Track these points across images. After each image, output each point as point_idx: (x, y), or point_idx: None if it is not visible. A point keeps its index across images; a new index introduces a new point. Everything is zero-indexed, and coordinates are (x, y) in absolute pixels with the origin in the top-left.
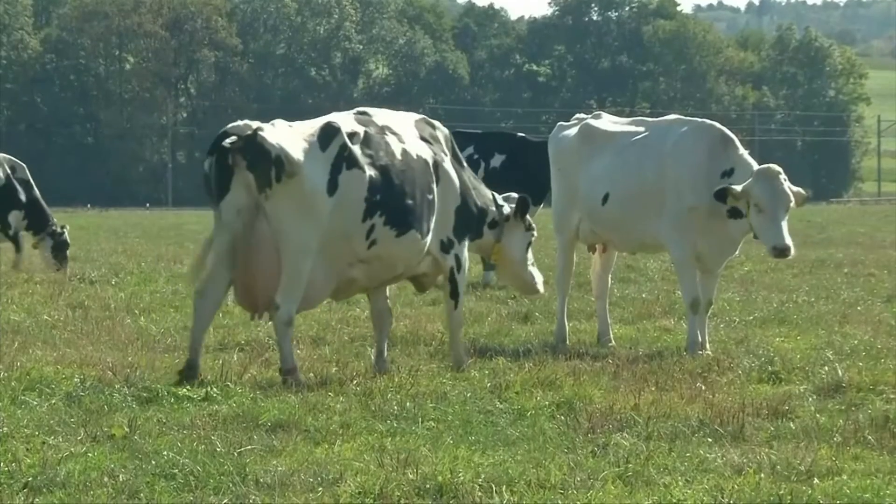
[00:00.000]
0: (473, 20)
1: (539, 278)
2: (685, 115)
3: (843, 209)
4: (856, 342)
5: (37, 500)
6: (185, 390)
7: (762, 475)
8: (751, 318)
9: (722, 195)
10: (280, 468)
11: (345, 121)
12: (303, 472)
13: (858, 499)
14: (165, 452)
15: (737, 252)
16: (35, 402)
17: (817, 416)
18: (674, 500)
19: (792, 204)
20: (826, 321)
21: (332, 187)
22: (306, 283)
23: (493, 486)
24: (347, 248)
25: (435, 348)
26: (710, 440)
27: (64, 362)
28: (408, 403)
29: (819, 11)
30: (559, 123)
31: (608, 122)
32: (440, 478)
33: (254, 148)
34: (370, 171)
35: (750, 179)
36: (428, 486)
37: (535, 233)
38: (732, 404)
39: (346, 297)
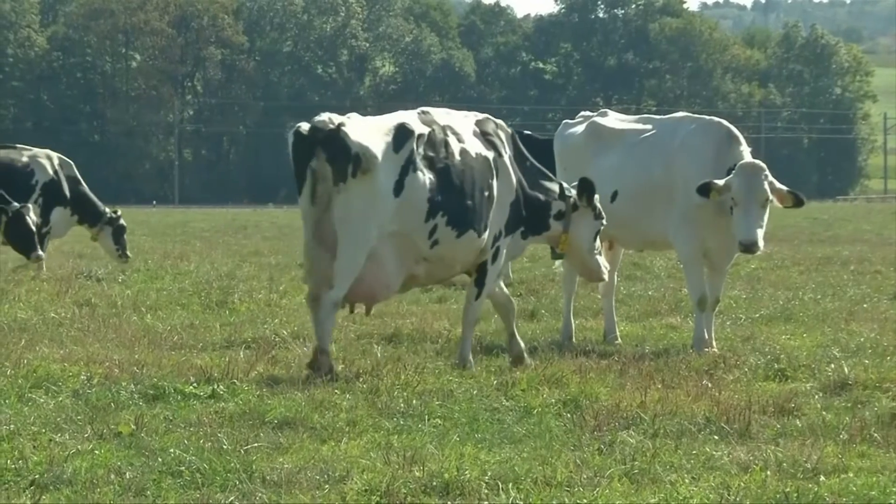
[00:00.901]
0: (480, 18)
1: (605, 266)
2: (693, 113)
3: (850, 207)
4: (862, 340)
5: (43, 497)
6: (191, 388)
7: (768, 473)
8: (757, 315)
9: (705, 190)
10: (286, 465)
11: (412, 121)
12: (309, 470)
13: (864, 496)
14: (172, 450)
15: None
16: (42, 400)
17: (823, 413)
18: (680, 498)
19: (773, 201)
20: (832, 319)
21: (399, 188)
22: (386, 277)
23: (500, 483)
24: (412, 246)
25: (441, 346)
26: (716, 438)
27: (70, 360)
28: (414, 401)
29: (825, 9)
30: (565, 121)
31: (615, 119)
32: (446, 475)
33: (335, 143)
34: (433, 173)
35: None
36: (434, 483)
37: (604, 221)
38: (739, 402)
39: (405, 291)
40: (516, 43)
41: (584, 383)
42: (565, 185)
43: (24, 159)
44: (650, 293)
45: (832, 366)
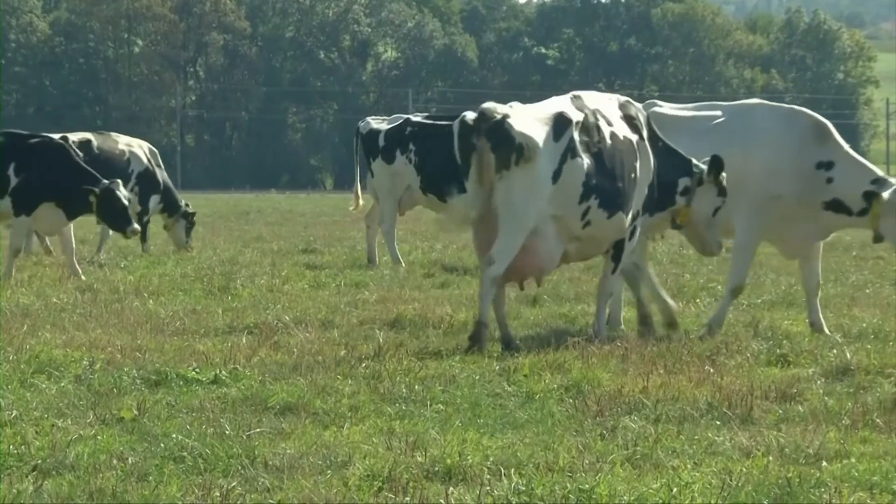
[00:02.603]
0: (482, 3)
1: (720, 242)
2: (717, 100)
3: None
4: (864, 325)
5: (46, 482)
6: (193, 373)
7: (770, 458)
8: (759, 301)
9: (869, 196)
10: (289, 451)
11: (568, 108)
12: (311, 455)
13: (867, 481)
14: (174, 435)
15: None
16: (44, 385)
17: (825, 398)
18: (682, 483)
19: None
20: (834, 304)
21: (557, 175)
22: (550, 252)
23: (502, 468)
24: (566, 227)
25: (444, 331)
26: (718, 423)
27: (73, 345)
28: (416, 386)
29: None
30: None
31: (672, 108)
32: (449, 461)
33: (500, 133)
34: (588, 158)
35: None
36: (436, 468)
37: (726, 199)
38: (741, 387)
39: (556, 268)
40: (518, 28)
41: (586, 369)
42: (694, 160)
43: (121, 148)
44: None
45: (834, 351)
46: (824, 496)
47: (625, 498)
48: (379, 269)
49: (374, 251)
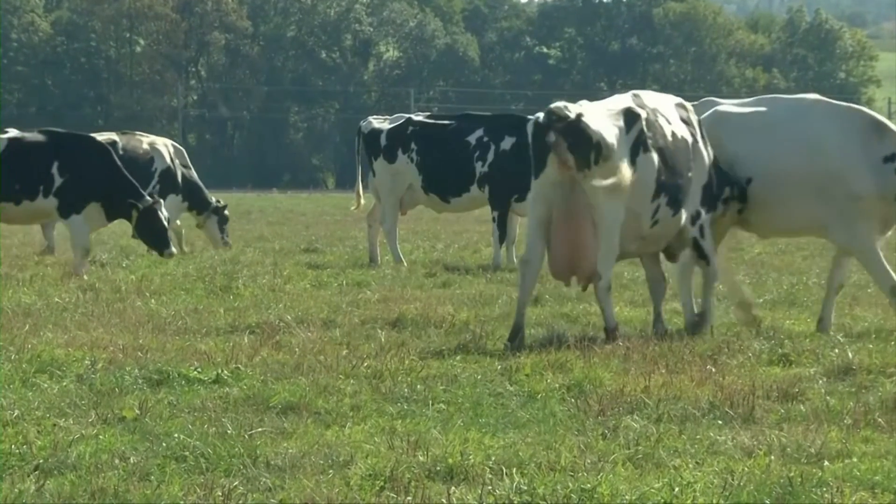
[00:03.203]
0: (483, 2)
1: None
2: (721, 98)
3: None
4: (866, 324)
5: (48, 482)
6: (195, 372)
7: (772, 457)
8: (761, 300)
9: None
10: (290, 450)
11: (634, 105)
12: (313, 455)
13: (868, 481)
14: (176, 435)
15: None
16: (46, 385)
17: (827, 398)
18: (684, 483)
19: None
20: (836, 304)
21: (633, 168)
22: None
23: (504, 468)
24: (637, 225)
25: (446, 331)
26: (720, 423)
27: (75, 345)
28: (418, 386)
29: None
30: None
31: (730, 105)
32: (450, 460)
33: (576, 132)
34: (656, 154)
35: None
36: (438, 468)
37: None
38: (743, 387)
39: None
40: (520, 28)
41: (588, 368)
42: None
43: (145, 147)
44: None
45: (836, 351)
46: (826, 496)
47: (626, 497)
48: (381, 268)
49: (375, 250)
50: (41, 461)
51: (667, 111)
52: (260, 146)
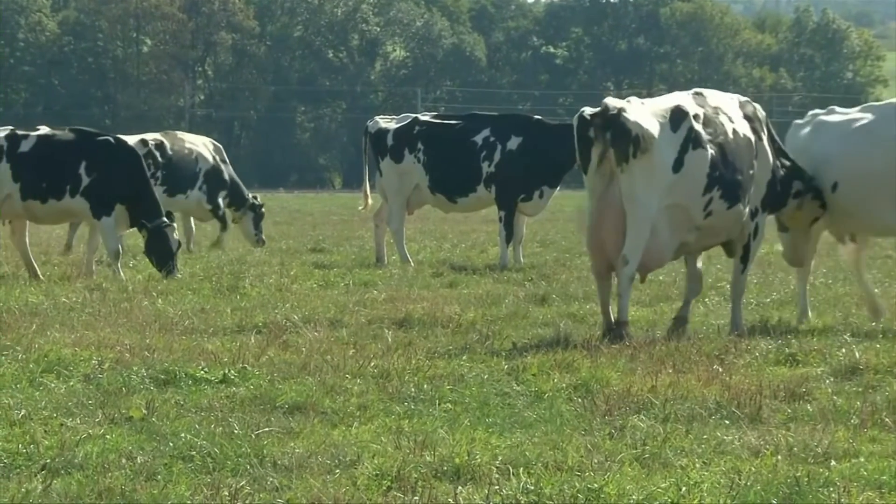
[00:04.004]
0: (490, 2)
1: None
2: None
3: None
4: (873, 324)
5: (55, 481)
6: (202, 372)
7: (779, 457)
8: (768, 300)
9: None
10: (297, 450)
11: (688, 103)
12: (320, 455)
13: (875, 481)
14: (183, 434)
15: None
16: (53, 384)
17: (834, 398)
18: (691, 483)
19: None
20: (843, 303)
21: (678, 165)
22: (660, 246)
23: (510, 468)
24: (688, 217)
25: (453, 330)
26: (727, 422)
27: (82, 344)
28: (425, 385)
29: None
30: (795, 122)
31: (838, 113)
32: (457, 460)
33: (617, 126)
34: (711, 150)
35: None
36: (445, 468)
37: (825, 211)
38: (750, 386)
39: (676, 258)
40: (527, 27)
41: (594, 368)
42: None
43: (188, 146)
44: (661, 277)
45: (843, 350)
46: (833, 495)
47: (633, 497)
48: (387, 268)
49: (382, 250)
50: (48, 461)
51: (729, 110)
52: (267, 146)
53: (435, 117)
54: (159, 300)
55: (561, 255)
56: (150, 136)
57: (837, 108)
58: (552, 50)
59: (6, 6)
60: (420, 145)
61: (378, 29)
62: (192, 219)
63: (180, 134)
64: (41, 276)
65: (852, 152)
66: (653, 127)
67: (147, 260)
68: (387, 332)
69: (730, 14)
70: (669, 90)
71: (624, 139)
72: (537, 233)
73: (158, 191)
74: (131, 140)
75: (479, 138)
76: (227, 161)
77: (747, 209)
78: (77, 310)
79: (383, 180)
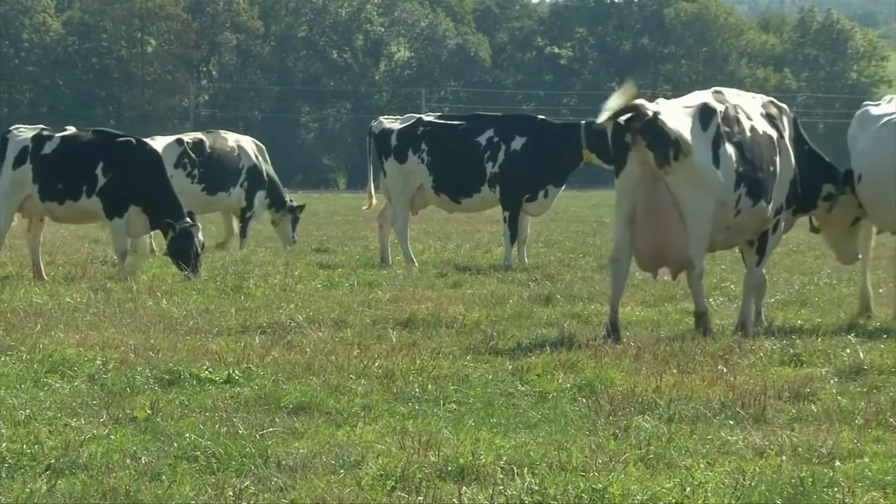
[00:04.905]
0: (495, 2)
1: (857, 252)
2: None
3: None
4: (877, 324)
5: (59, 482)
6: (206, 372)
7: (784, 457)
8: (772, 300)
9: None
10: (302, 450)
11: (710, 101)
12: (324, 455)
13: (880, 481)
14: (187, 435)
15: None
16: (57, 385)
17: (839, 398)
18: (695, 483)
19: None
20: (848, 304)
21: (716, 161)
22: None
23: (515, 468)
24: (722, 215)
25: (457, 331)
26: (731, 423)
27: (86, 344)
28: (429, 386)
29: None
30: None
31: (885, 106)
32: (462, 460)
33: (654, 130)
34: (733, 148)
35: None
36: (450, 468)
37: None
38: (754, 387)
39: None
40: (531, 28)
41: (599, 368)
42: (838, 170)
43: (231, 144)
44: (665, 278)
45: (847, 351)
46: (837, 496)
47: (638, 497)
48: (392, 268)
49: (386, 250)
50: (52, 461)
51: (748, 108)
52: (271, 146)
53: (439, 117)
54: (163, 300)
55: (565, 256)
56: (189, 136)
57: (888, 98)
58: (556, 50)
59: (10, 7)
60: (424, 146)
61: (382, 29)
62: (233, 218)
63: (223, 132)
64: (45, 277)
65: (875, 146)
66: (686, 129)
67: (150, 260)
68: (391, 333)
69: (734, 14)
70: (674, 90)
71: (663, 143)
72: (541, 233)
73: (196, 189)
74: (166, 140)
75: (483, 138)
76: (269, 161)
77: (770, 206)
78: (81, 310)
79: (387, 181)
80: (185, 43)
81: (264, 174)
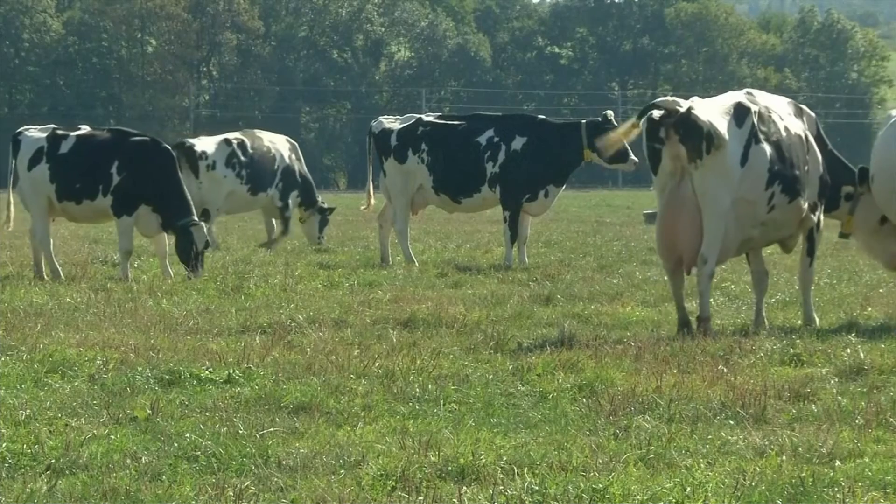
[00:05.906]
0: (495, 2)
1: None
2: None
3: None
4: (878, 324)
5: (59, 481)
6: (207, 373)
7: (784, 457)
8: (773, 300)
9: None
10: (302, 450)
11: (745, 100)
12: (325, 455)
13: (880, 481)
14: (188, 435)
15: None
16: (58, 385)
17: (839, 398)
18: (696, 483)
19: None
20: (848, 303)
21: (744, 160)
22: (725, 242)
23: (515, 468)
24: (752, 212)
25: (457, 331)
26: (731, 423)
27: (86, 344)
28: (430, 386)
29: None
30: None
31: None
32: (462, 460)
33: (688, 124)
34: (769, 146)
35: None
36: (450, 468)
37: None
38: (754, 387)
39: (740, 255)
40: (532, 28)
41: (599, 368)
42: (854, 170)
43: (267, 145)
44: (666, 278)
45: (848, 351)
46: (837, 496)
47: (638, 497)
48: (392, 268)
49: (387, 251)
50: (53, 461)
51: (779, 108)
52: None
53: (439, 117)
54: (164, 300)
55: (566, 256)
56: (232, 136)
57: None
58: (557, 50)
59: (11, 7)
60: (424, 146)
61: (383, 29)
62: (273, 219)
63: (258, 132)
64: (46, 277)
65: (881, 148)
66: (721, 123)
67: (151, 261)
68: (391, 333)
69: (734, 14)
70: (674, 90)
71: (696, 137)
72: (542, 233)
73: (243, 189)
74: (214, 140)
75: (483, 138)
76: (302, 160)
77: (806, 204)
78: (82, 310)
79: (387, 181)
80: (185, 43)
81: (297, 174)
